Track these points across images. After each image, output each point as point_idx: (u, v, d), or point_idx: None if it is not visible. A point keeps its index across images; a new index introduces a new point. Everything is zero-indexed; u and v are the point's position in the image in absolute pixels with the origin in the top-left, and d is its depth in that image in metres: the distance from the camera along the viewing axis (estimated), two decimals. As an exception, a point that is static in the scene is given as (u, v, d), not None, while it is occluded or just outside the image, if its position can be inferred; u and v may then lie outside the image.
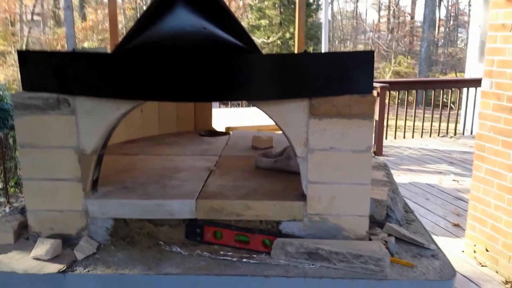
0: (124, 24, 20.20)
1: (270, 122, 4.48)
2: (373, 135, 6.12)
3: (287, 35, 17.47)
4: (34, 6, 20.03)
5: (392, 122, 8.16)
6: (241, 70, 1.48)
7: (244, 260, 1.59)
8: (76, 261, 1.57)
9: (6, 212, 1.99)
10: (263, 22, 17.65)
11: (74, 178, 1.65)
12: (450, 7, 24.29)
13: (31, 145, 1.63)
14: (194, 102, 2.71)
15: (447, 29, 24.00)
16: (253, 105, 1.71)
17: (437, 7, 21.93)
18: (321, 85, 1.56)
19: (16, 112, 1.61)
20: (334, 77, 1.55)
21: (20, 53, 1.61)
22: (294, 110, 1.59)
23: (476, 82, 7.87)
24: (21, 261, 1.56)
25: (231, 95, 1.58)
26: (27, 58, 1.61)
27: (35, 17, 20.50)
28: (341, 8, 25.64)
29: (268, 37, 17.00)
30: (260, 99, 1.57)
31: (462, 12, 24.23)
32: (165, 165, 2.08)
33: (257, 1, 17.94)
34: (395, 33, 22.38)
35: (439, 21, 23.13)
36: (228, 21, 1.59)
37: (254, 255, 1.61)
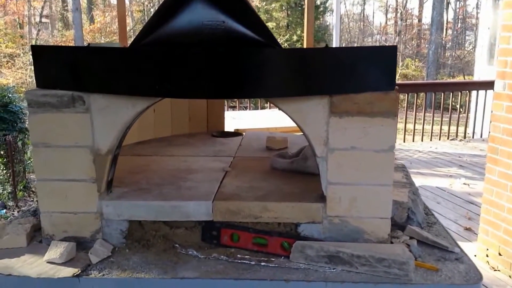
0: (132, 26, 20.24)
1: (279, 124, 4.47)
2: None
3: (294, 37, 17.42)
4: (43, 8, 20.12)
5: (400, 125, 8.08)
6: (261, 66, 1.44)
7: (262, 263, 1.54)
8: (90, 264, 1.53)
9: (18, 215, 1.95)
10: (270, 24, 17.61)
11: (89, 178, 1.62)
12: (458, 10, 24.18)
13: (45, 144, 1.60)
14: (212, 99, 2.65)
15: (455, 32, 23.86)
16: (271, 103, 1.67)
17: (444, 10, 21.82)
18: (342, 81, 1.51)
19: (29, 109, 1.58)
20: (356, 73, 1.51)
21: (34, 48, 1.57)
22: (313, 108, 1.55)
23: (486, 85, 7.79)
24: (35, 265, 1.52)
25: (250, 91, 1.54)
26: (41, 54, 1.57)
27: (44, 20, 20.59)
28: (348, 11, 25.59)
29: (275, 40, 16.95)
30: (279, 96, 1.52)
31: (470, 15, 24.11)
32: (179, 166, 2.04)
33: (264, 3, 17.90)
34: (402, 36, 22.26)
35: (447, 23, 23.01)
36: (247, 14, 1.55)
37: (273, 259, 1.57)
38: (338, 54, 1.52)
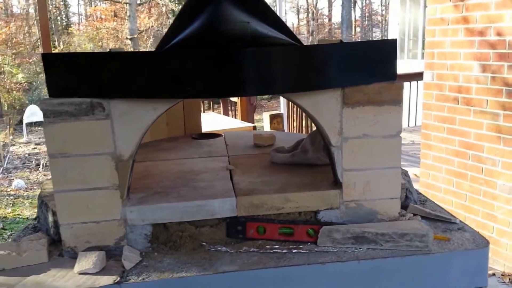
0: (38, 35, 19.13)
1: (221, 126, 4.55)
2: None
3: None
4: None
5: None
6: (286, 63, 1.52)
7: (293, 250, 1.61)
8: (125, 271, 1.51)
9: (20, 233, 1.85)
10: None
11: (111, 185, 1.59)
12: (364, 8, 25.69)
13: (64, 154, 1.55)
14: (189, 101, 2.67)
15: (363, 29, 25.33)
16: (284, 98, 1.75)
17: (352, 8, 23.11)
18: (353, 74, 1.62)
19: (45, 120, 1.52)
20: (365, 66, 1.63)
21: (45, 57, 1.52)
22: (327, 101, 1.65)
23: (403, 77, 8.46)
24: (67, 277, 1.47)
25: (276, 88, 1.60)
26: (54, 62, 1.52)
27: None
28: (261, 13, 26.22)
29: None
30: (300, 91, 1.60)
31: (376, 12, 25.75)
32: (181, 169, 2.05)
33: (180, 6, 17.77)
34: (315, 35, 23.25)
35: (355, 21, 24.39)
36: (269, 14, 1.62)
37: (301, 246, 1.64)
38: (350, 48, 1.63)
